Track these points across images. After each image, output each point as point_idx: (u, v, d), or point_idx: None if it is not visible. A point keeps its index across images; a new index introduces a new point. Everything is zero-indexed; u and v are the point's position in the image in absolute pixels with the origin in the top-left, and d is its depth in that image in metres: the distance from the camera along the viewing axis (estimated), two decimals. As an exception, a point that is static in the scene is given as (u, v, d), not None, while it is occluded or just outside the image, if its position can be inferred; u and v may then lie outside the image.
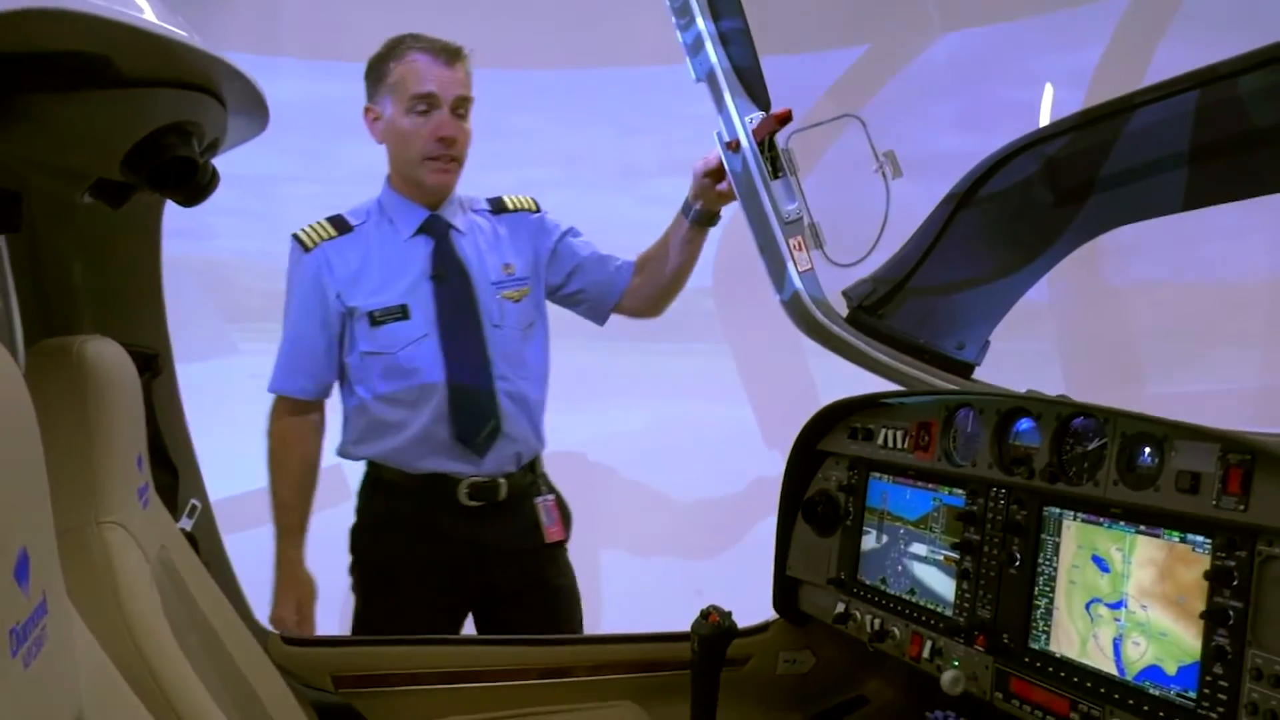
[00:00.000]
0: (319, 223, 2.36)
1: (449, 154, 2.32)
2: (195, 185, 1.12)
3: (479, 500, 2.32)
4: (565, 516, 2.49)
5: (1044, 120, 2.24)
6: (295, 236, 2.35)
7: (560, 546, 2.47)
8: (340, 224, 2.37)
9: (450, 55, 2.30)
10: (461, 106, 2.32)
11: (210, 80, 1.06)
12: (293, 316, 2.36)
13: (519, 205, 2.54)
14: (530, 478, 2.43)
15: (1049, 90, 2.47)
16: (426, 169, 2.32)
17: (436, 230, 2.38)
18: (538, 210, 2.56)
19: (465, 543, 2.33)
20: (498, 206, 2.53)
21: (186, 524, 1.76)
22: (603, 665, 2.11)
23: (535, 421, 2.46)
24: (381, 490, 2.37)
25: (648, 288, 2.54)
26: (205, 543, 1.81)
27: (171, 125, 1.06)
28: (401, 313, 2.32)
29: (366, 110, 2.37)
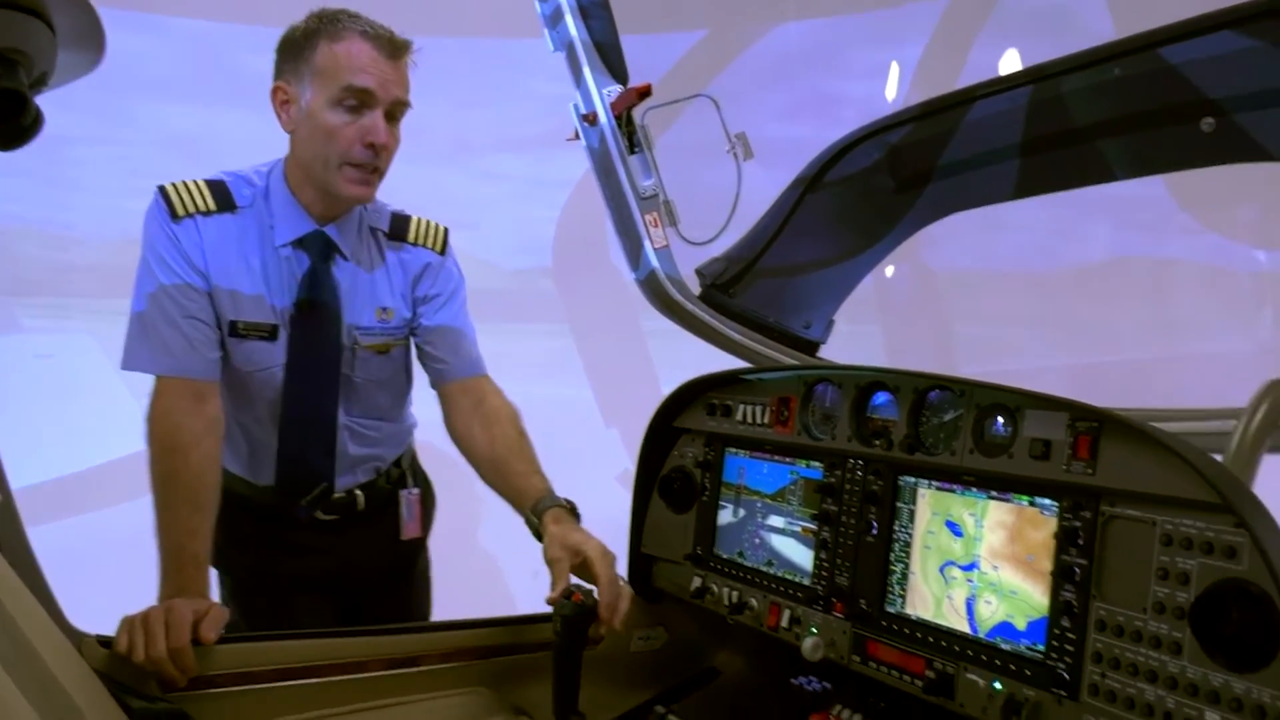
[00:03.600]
0: (196, 185, 1.97)
1: (374, 163, 1.98)
2: (18, 125, 0.97)
3: (335, 514, 2.18)
4: (427, 509, 2.39)
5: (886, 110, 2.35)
6: (164, 193, 1.96)
7: (418, 539, 2.38)
8: (223, 197, 1.99)
9: (396, 48, 1.96)
10: (398, 111, 2.00)
11: (39, 1, 0.92)
12: (158, 277, 1.94)
13: (423, 239, 2.21)
14: (397, 472, 2.30)
15: (893, 79, 2.59)
16: (343, 176, 1.97)
17: (315, 250, 2.05)
18: (444, 251, 2.23)
19: (326, 553, 2.20)
20: (398, 231, 2.19)
21: (-15, 518, 1.55)
22: (453, 652, 2.03)
23: (395, 439, 2.29)
24: (232, 502, 2.08)
25: (468, 441, 2.18)
26: (7, 538, 1.60)
27: (-8, 51, 0.91)
28: (270, 333, 2.02)
29: (276, 90, 2.00)
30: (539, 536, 1.96)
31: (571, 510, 1.99)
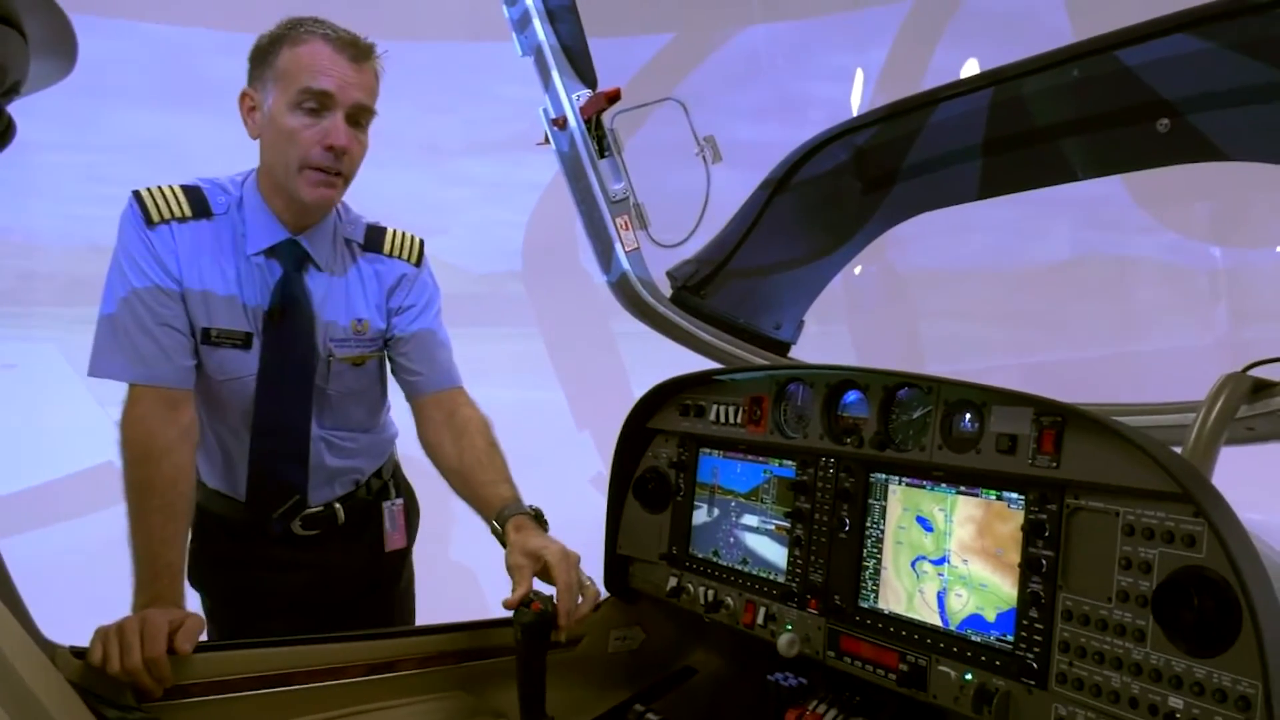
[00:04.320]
0: (172, 190, 1.96)
1: (336, 167, 1.95)
2: (-11, 134, 0.96)
3: (315, 529, 2.16)
4: (411, 520, 2.38)
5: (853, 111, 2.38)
6: (139, 198, 1.94)
7: (401, 550, 2.37)
8: (199, 204, 1.97)
9: (358, 51, 1.94)
10: (362, 116, 1.97)
11: (10, 8, 0.91)
12: (131, 281, 1.92)
13: (399, 251, 2.18)
14: (378, 484, 2.28)
15: (858, 82, 2.63)
16: (305, 180, 1.95)
17: (287, 259, 2.03)
18: (419, 263, 2.20)
19: (307, 568, 2.18)
20: (373, 242, 2.16)
21: (-46, 530, 1.53)
22: (431, 657, 2.03)
23: (374, 450, 2.27)
24: (210, 518, 2.07)
25: (438, 453, 2.16)
26: (-23, 550, 1.58)
27: (-38, 61, 0.90)
28: (243, 342, 1.99)
29: (243, 96, 1.99)
30: (505, 545, 1.93)
31: (536, 517, 1.96)
